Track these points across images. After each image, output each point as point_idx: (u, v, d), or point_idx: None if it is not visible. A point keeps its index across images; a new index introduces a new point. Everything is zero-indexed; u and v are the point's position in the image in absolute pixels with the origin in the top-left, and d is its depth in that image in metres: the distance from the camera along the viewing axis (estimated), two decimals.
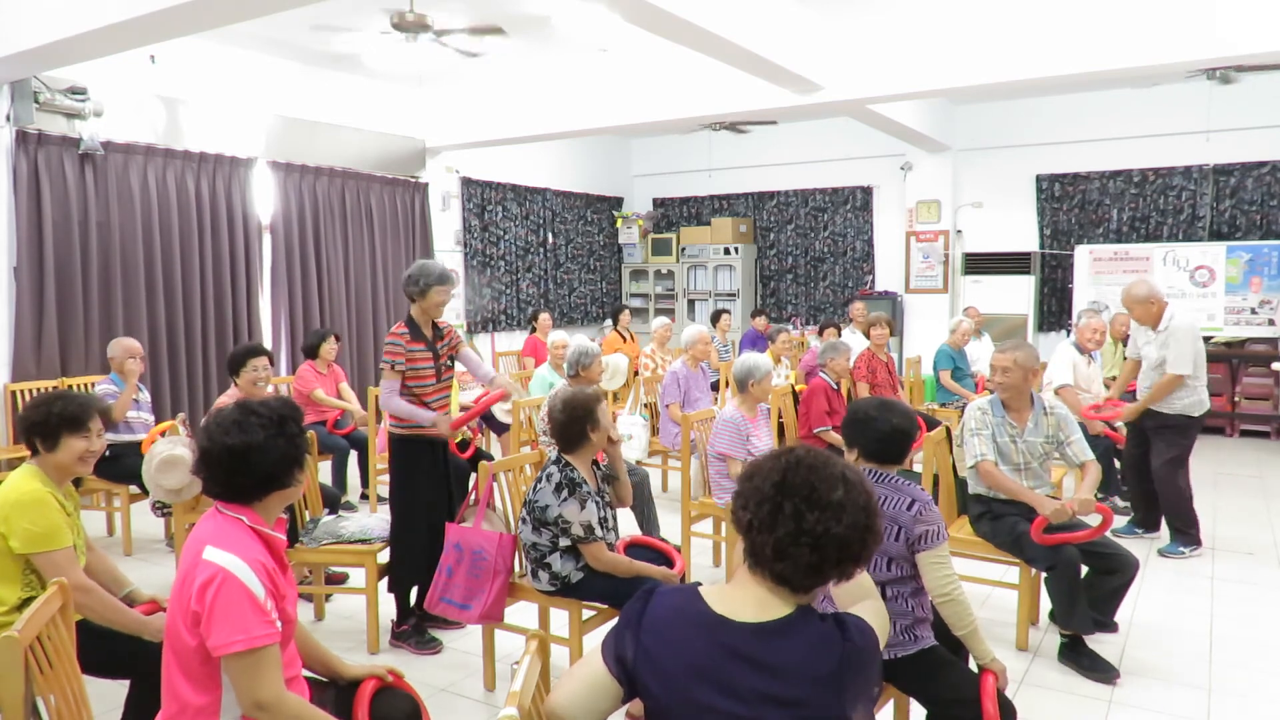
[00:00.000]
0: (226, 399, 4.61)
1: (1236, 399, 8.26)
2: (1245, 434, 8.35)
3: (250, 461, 1.93)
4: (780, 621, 1.48)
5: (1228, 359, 8.21)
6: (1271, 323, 8.14)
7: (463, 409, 5.82)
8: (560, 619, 3.33)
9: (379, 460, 5.63)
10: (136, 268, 6.54)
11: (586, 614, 3.18)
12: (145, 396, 5.22)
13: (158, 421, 5.35)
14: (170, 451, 4.01)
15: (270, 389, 4.79)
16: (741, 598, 1.51)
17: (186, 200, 6.87)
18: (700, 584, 1.61)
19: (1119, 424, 5.52)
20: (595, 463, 3.35)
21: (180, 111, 6.86)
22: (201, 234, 6.97)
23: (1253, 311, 8.25)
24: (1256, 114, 8.29)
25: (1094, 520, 3.47)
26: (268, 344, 7.46)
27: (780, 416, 5.56)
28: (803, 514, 1.44)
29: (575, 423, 3.17)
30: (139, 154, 6.57)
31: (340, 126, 8.07)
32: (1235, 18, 5.19)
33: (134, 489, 4.93)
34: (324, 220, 7.93)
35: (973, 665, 2.58)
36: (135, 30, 4.80)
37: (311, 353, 6.11)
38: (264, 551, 1.93)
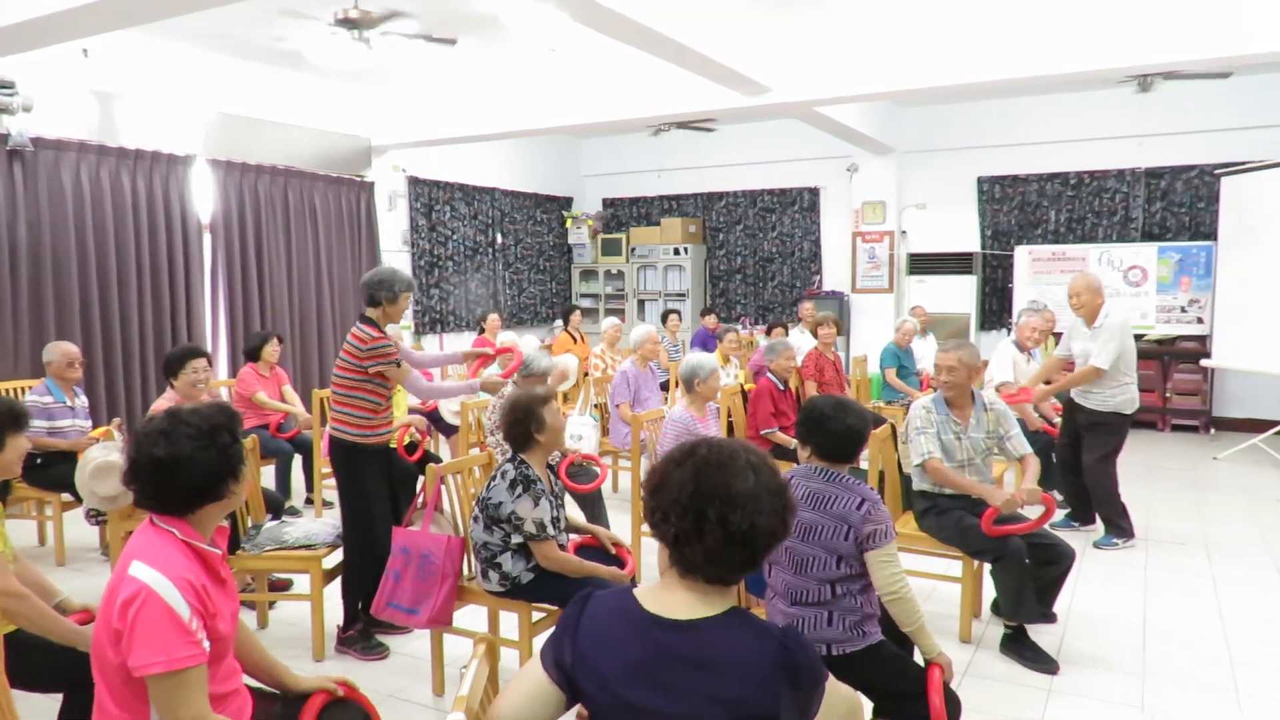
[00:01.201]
0: (164, 402, 4.50)
1: (1168, 395, 8.54)
2: (1176, 428, 8.64)
3: (178, 474, 1.85)
4: (714, 619, 1.49)
5: (1159, 356, 8.48)
6: (1200, 321, 8.43)
7: (410, 411, 5.79)
8: (510, 621, 3.31)
9: (324, 464, 5.53)
10: (69, 268, 6.34)
11: (536, 615, 3.17)
12: (82, 401, 5.04)
13: (95, 426, 5.19)
14: (105, 458, 3.89)
15: (208, 393, 4.67)
16: (674, 599, 1.51)
17: (122, 198, 6.67)
18: (635, 585, 1.61)
19: (1058, 420, 5.67)
20: (550, 466, 3.34)
21: (115, 107, 6.66)
22: (138, 233, 6.78)
23: (1182, 310, 8.53)
24: (1185, 120, 8.58)
25: (1036, 511, 3.56)
26: (208, 346, 7.30)
27: (730, 416, 5.60)
28: (726, 516, 1.45)
29: (518, 424, 3.18)
30: (71, 150, 6.37)
31: (283, 124, 7.91)
32: (1165, 27, 5.37)
33: (67, 497, 4.77)
34: (266, 219, 7.77)
35: (919, 658, 2.63)
36: (67, 23, 4.66)
37: (253, 355, 5.98)
38: (195, 567, 1.85)
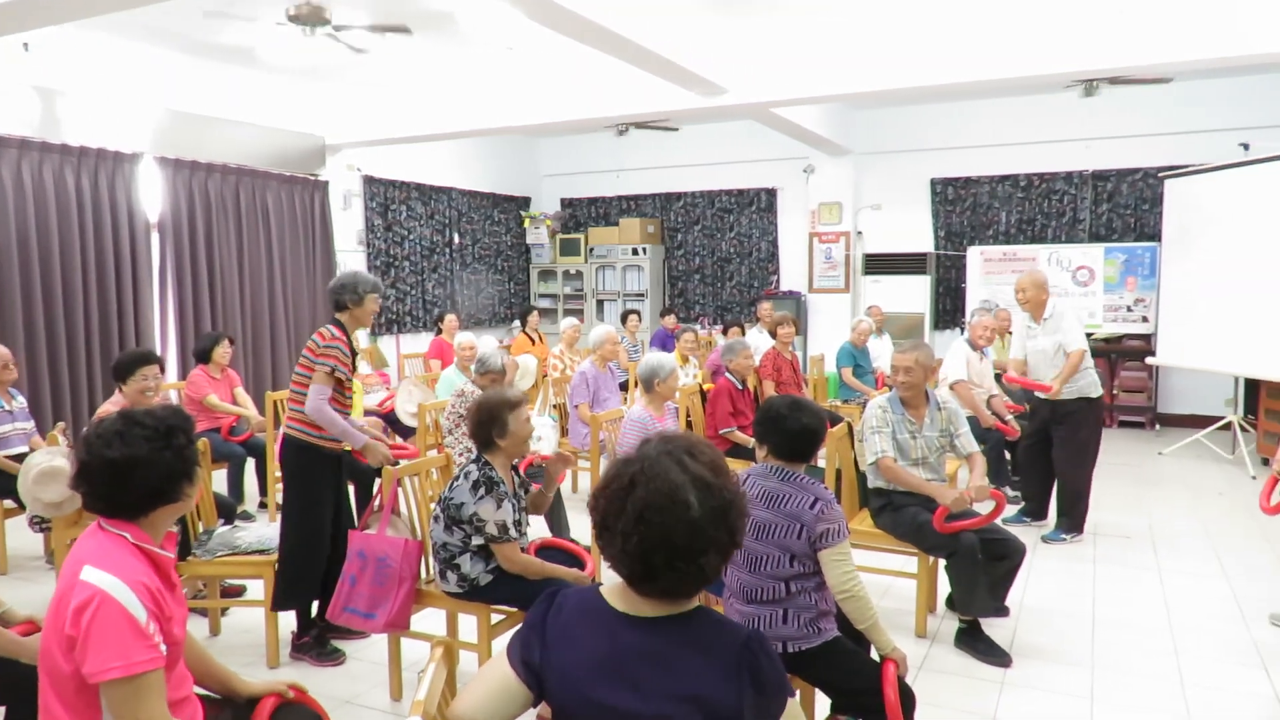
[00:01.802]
0: (110, 406, 4.39)
1: (1115, 392, 8.76)
2: (1123, 424, 8.86)
3: (133, 476, 1.83)
4: (680, 616, 1.50)
5: (1106, 354, 8.69)
6: (1145, 320, 8.65)
7: (366, 413, 5.72)
8: (468, 624, 3.29)
9: (278, 467, 5.45)
10: (10, 268, 6.15)
11: (495, 618, 3.15)
12: (20, 403, 4.86)
13: (38, 426, 5.05)
14: (49, 463, 3.79)
15: (158, 399, 4.56)
16: (640, 598, 1.52)
17: (66, 197, 6.50)
18: (601, 584, 1.61)
19: (1009, 417, 5.78)
20: (514, 468, 3.32)
21: (58, 103, 6.48)
22: (83, 233, 6.60)
23: (1128, 309, 8.75)
24: (1131, 124, 8.81)
25: (987, 506, 3.63)
26: (157, 348, 7.13)
27: (689, 415, 5.62)
28: (673, 562, 1.43)
29: (482, 426, 3.16)
30: (12, 147, 6.19)
31: (233, 121, 7.77)
32: (1110, 34, 5.51)
33: (9, 503, 4.63)
34: (217, 219, 7.62)
35: (874, 654, 2.66)
36: (6, 16, 4.52)
37: (204, 357, 5.86)
38: (149, 571, 1.82)
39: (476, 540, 3.06)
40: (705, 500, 1.45)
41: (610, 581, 1.60)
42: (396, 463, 3.69)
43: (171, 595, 1.88)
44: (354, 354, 3.69)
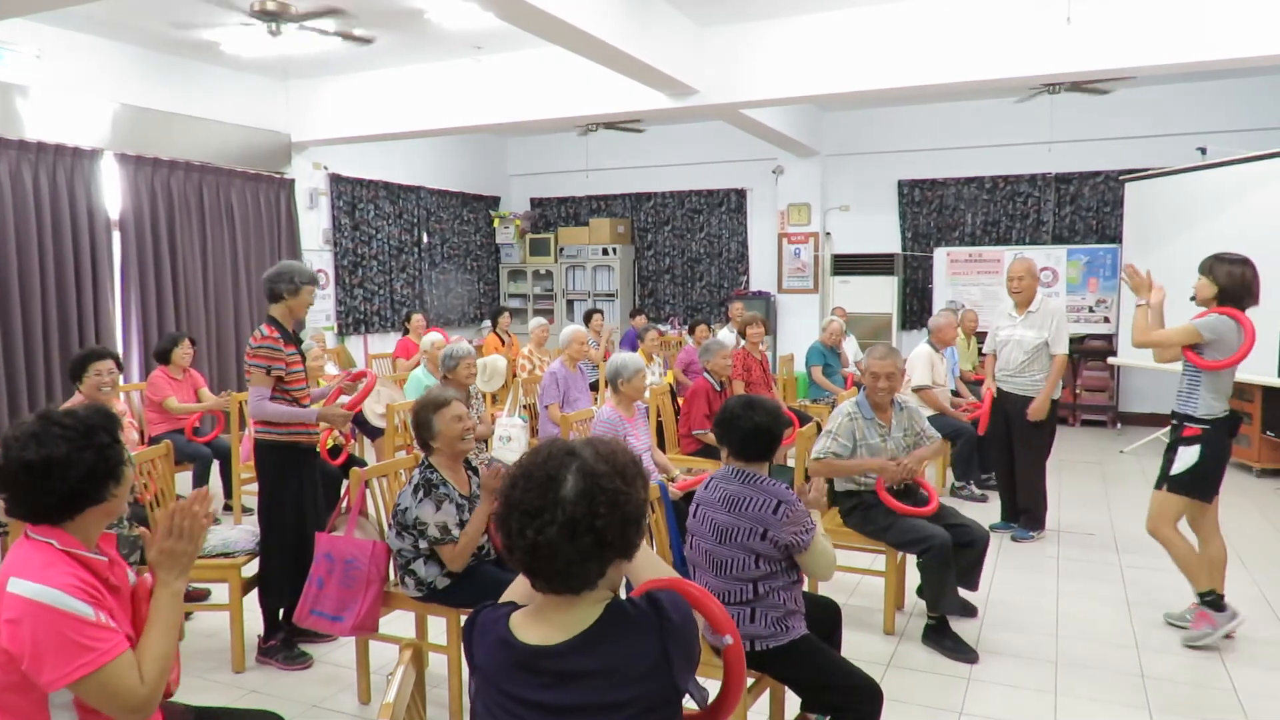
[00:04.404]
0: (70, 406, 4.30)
1: (1078, 391, 8.90)
2: (1085, 423, 9.01)
3: (51, 478, 1.73)
4: (595, 627, 1.46)
5: (1069, 354, 8.80)
6: (1107, 320, 8.80)
7: None
8: (438, 626, 3.27)
9: (243, 469, 5.37)
10: None
11: (464, 619, 3.12)
12: None
13: None
14: None
15: (121, 396, 4.47)
16: (551, 620, 1.48)
17: (23, 194, 6.36)
18: (511, 608, 1.55)
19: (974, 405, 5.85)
20: (473, 468, 3.26)
21: (14, 98, 6.34)
22: (41, 231, 6.46)
23: (1090, 310, 8.90)
24: (1092, 128, 8.96)
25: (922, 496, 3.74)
26: (118, 348, 7.00)
27: (659, 415, 5.63)
28: (525, 531, 1.41)
29: (417, 432, 3.15)
30: None
31: (196, 118, 7.64)
32: (1072, 39, 5.59)
33: None
34: (179, 217, 7.49)
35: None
36: None
37: (164, 358, 5.76)
38: (83, 574, 1.74)
39: (424, 544, 3.03)
40: (587, 470, 1.43)
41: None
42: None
43: (115, 597, 1.81)
44: (298, 347, 3.69)
